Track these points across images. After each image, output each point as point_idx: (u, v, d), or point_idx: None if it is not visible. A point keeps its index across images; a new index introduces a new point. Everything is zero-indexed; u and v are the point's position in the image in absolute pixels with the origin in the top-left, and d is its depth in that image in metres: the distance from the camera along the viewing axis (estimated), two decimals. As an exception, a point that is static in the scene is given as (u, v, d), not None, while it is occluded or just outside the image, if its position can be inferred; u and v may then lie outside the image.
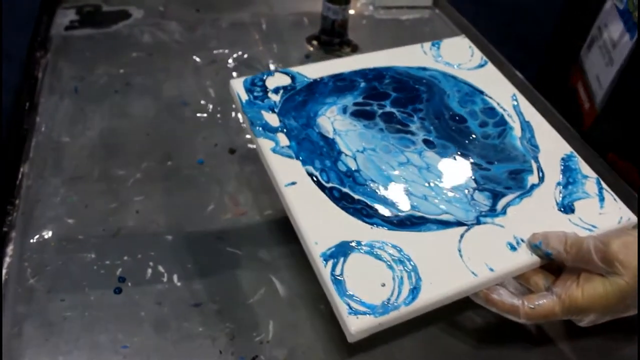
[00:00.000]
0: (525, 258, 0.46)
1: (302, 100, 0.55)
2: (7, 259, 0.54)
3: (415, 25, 0.97)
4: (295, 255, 0.56)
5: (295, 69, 0.59)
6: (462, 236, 0.46)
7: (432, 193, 0.49)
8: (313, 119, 0.54)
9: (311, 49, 0.88)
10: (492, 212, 0.48)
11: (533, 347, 0.50)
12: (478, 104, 0.58)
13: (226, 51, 0.85)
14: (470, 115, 0.57)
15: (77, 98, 0.74)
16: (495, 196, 0.50)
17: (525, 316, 0.43)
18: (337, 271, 0.43)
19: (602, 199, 0.51)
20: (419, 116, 0.56)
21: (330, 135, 0.53)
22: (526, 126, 0.57)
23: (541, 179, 0.52)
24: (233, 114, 0.74)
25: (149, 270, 0.54)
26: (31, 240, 0.55)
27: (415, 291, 0.42)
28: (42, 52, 0.81)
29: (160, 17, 0.92)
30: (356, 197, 0.48)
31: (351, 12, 0.93)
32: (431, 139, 0.54)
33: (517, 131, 0.56)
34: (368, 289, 0.42)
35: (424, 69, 0.61)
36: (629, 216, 0.49)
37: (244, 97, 0.55)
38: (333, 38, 0.86)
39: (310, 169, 0.50)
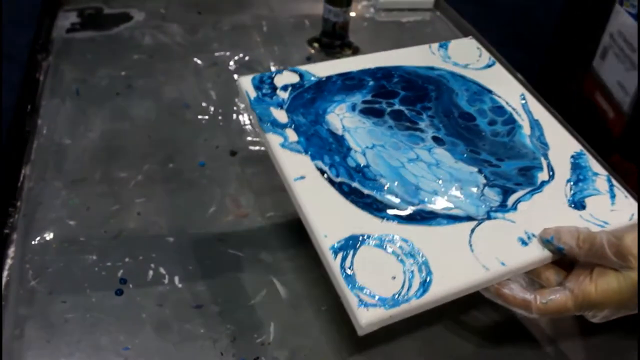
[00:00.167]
0: (536, 253, 0.45)
1: (311, 97, 0.55)
2: (9, 261, 0.54)
3: (416, 28, 0.98)
4: (296, 257, 0.56)
5: (303, 68, 0.59)
6: (472, 231, 0.46)
7: (442, 188, 0.49)
8: (322, 116, 0.54)
9: (312, 51, 0.88)
10: (503, 207, 0.48)
11: (537, 347, 0.50)
12: (487, 103, 0.58)
13: (227, 53, 0.85)
14: (479, 114, 0.57)
15: (78, 100, 0.74)
16: (506, 192, 0.50)
17: (538, 311, 0.43)
18: (347, 264, 0.43)
19: (613, 196, 0.50)
20: (428, 114, 0.56)
21: (340, 132, 0.53)
22: (535, 124, 0.57)
23: (551, 176, 0.52)
24: (234, 116, 0.74)
25: (151, 272, 0.54)
26: (33, 242, 0.55)
27: (426, 284, 0.42)
28: (43, 54, 0.81)
29: (162, 19, 0.92)
30: (366, 191, 0.48)
31: (352, 14, 0.93)
32: (440, 136, 0.54)
33: (526, 129, 0.56)
34: (378, 282, 0.42)
35: (432, 68, 0.61)
36: None
37: (252, 94, 0.55)
38: (334, 40, 0.86)
39: (320, 163, 0.50)
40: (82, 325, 0.49)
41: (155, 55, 0.83)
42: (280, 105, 0.54)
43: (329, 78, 0.58)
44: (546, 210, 0.48)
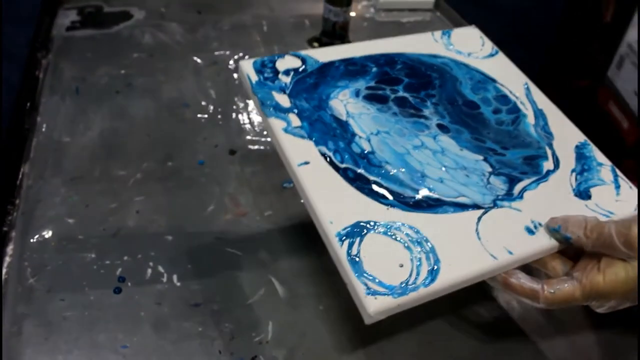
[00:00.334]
0: (543, 242, 0.45)
1: (314, 82, 0.55)
2: (7, 259, 0.54)
3: (416, 28, 0.98)
4: (295, 256, 0.56)
5: (305, 52, 0.58)
6: (479, 219, 0.46)
7: (448, 176, 0.49)
8: (325, 102, 0.53)
9: (312, 50, 0.88)
10: (509, 196, 0.48)
11: (539, 341, 0.51)
12: (490, 92, 0.58)
13: (227, 52, 0.85)
14: (483, 102, 0.57)
15: (78, 98, 0.74)
16: (512, 181, 0.49)
17: (545, 301, 0.42)
18: (354, 251, 0.42)
19: (617, 186, 0.50)
20: (432, 101, 0.55)
21: (344, 118, 0.52)
22: (539, 114, 0.57)
23: (556, 165, 0.52)
24: (234, 115, 0.74)
25: (149, 270, 0.54)
26: (31, 240, 0.55)
27: (434, 272, 0.41)
28: (43, 52, 0.81)
29: (162, 18, 0.92)
30: (371, 178, 0.47)
31: (352, 14, 0.93)
32: (445, 123, 0.54)
33: (530, 118, 0.56)
34: (386, 270, 0.41)
35: (435, 56, 0.61)
36: None
37: (254, 77, 0.54)
38: (334, 40, 0.86)
39: (324, 149, 0.49)
40: (80, 323, 0.49)
41: (155, 54, 0.83)
42: (282, 89, 0.54)
43: (331, 63, 0.58)
44: (552, 200, 0.48)
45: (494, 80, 0.60)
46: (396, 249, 0.43)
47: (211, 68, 0.82)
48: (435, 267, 0.42)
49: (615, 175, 0.51)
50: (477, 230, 0.45)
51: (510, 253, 0.44)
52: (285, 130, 0.50)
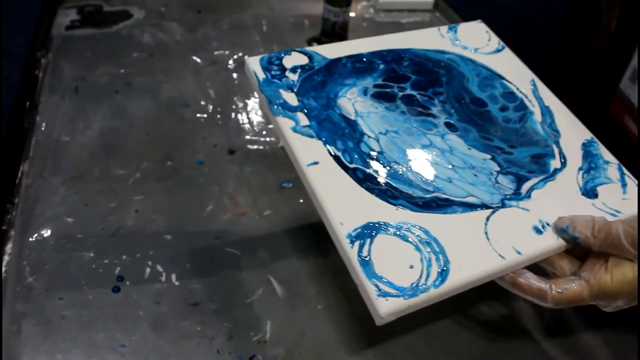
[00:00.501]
0: (551, 242, 0.45)
1: (321, 80, 0.54)
2: (6, 257, 0.54)
3: (416, 28, 0.96)
4: (293, 255, 0.56)
5: (312, 49, 0.58)
6: (488, 219, 0.46)
7: (457, 176, 0.49)
8: (333, 100, 0.53)
9: (311, 50, 0.88)
10: (517, 195, 0.48)
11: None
12: (497, 88, 0.58)
13: (227, 52, 0.85)
14: (491, 99, 0.57)
15: (77, 97, 0.74)
16: (519, 180, 0.49)
17: (553, 300, 0.43)
18: (364, 252, 0.42)
19: (624, 185, 0.50)
20: (440, 99, 0.55)
21: (352, 117, 0.52)
22: (546, 111, 0.56)
23: (563, 164, 0.52)
24: (233, 114, 0.74)
25: (148, 270, 0.54)
26: (30, 239, 0.55)
27: (444, 273, 0.42)
28: (43, 51, 0.81)
29: (161, 17, 0.92)
30: (380, 178, 0.47)
31: (352, 14, 0.93)
32: (453, 122, 0.53)
33: (537, 116, 0.56)
34: (396, 271, 0.41)
35: (442, 52, 0.61)
36: None
37: (261, 75, 0.53)
38: (333, 40, 0.86)
39: (333, 149, 0.48)
40: (78, 322, 0.49)
41: (155, 54, 0.84)
42: (290, 87, 0.53)
43: (338, 60, 0.57)
44: (559, 199, 0.48)
45: (500, 77, 0.59)
46: (406, 250, 0.42)
47: (211, 68, 0.82)
48: (445, 268, 0.42)
49: (622, 174, 0.51)
50: (485, 230, 0.45)
51: (519, 253, 0.44)
52: (294, 130, 0.49)
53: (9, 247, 0.55)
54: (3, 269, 0.53)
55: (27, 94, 0.73)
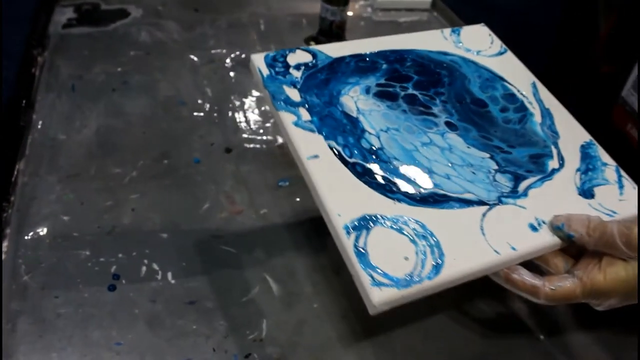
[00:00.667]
0: (546, 239, 0.46)
1: (325, 78, 0.55)
2: (2, 256, 0.53)
3: (413, 28, 0.98)
4: (290, 254, 0.56)
5: (316, 47, 0.59)
6: (484, 215, 0.46)
7: (455, 173, 0.49)
8: (336, 98, 0.54)
9: (309, 49, 0.88)
10: (514, 193, 0.49)
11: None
12: (499, 90, 0.59)
13: (224, 51, 0.85)
14: (491, 101, 0.57)
15: (74, 96, 0.74)
16: (517, 178, 0.50)
17: (546, 297, 0.43)
18: (360, 243, 0.43)
19: (621, 186, 0.51)
20: (441, 99, 0.56)
21: (354, 114, 0.53)
22: (546, 113, 0.57)
23: (561, 164, 0.52)
24: (230, 113, 0.74)
25: (144, 268, 0.54)
26: (26, 237, 0.55)
27: (438, 266, 0.42)
28: (39, 49, 0.81)
29: (159, 16, 0.92)
30: (380, 173, 0.48)
31: (349, 13, 0.93)
32: (453, 121, 0.54)
33: (537, 117, 0.57)
34: (391, 262, 0.42)
35: (445, 53, 0.62)
36: None
37: (265, 72, 0.54)
38: (331, 39, 0.87)
39: (333, 143, 0.49)
40: (74, 320, 0.49)
41: (152, 52, 0.83)
42: (293, 84, 0.54)
43: (342, 59, 0.58)
44: (556, 198, 0.49)
45: (502, 79, 0.60)
46: (402, 242, 0.43)
47: (208, 66, 0.82)
48: (440, 261, 0.42)
49: (620, 176, 0.52)
50: (481, 226, 0.46)
51: (514, 249, 0.44)
52: (296, 124, 0.50)
53: (4, 246, 0.54)
54: (-1, 267, 0.53)
55: (23, 92, 0.73)
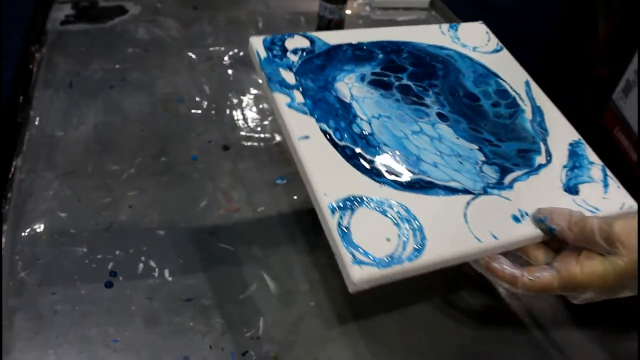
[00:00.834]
0: (528, 231, 0.47)
1: (321, 64, 0.56)
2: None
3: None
4: (287, 252, 0.56)
5: (314, 34, 0.59)
6: (468, 203, 0.47)
7: (442, 161, 0.50)
8: (331, 83, 0.55)
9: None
10: (500, 185, 0.49)
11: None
12: (492, 86, 0.59)
13: (222, 48, 0.85)
14: (484, 95, 0.58)
15: (71, 92, 0.74)
16: (504, 171, 0.51)
17: (523, 287, 0.44)
18: (344, 222, 0.43)
19: (606, 185, 0.52)
20: (434, 91, 0.57)
21: (347, 100, 0.53)
22: (537, 110, 0.58)
23: (548, 160, 0.53)
24: (227, 111, 0.74)
25: (141, 265, 0.54)
26: (23, 234, 0.55)
27: (419, 249, 0.43)
28: (37, 46, 0.81)
29: (157, 13, 0.92)
30: (368, 157, 0.49)
31: (348, 12, 0.93)
32: (445, 112, 0.55)
33: (528, 114, 0.57)
34: (373, 242, 0.43)
35: (441, 47, 0.62)
36: (631, 203, 0.51)
37: (263, 54, 0.55)
38: (329, 37, 0.86)
39: (324, 126, 0.50)
40: (71, 317, 0.49)
41: (150, 49, 0.83)
42: (289, 67, 0.55)
43: (339, 46, 0.59)
44: (541, 192, 0.50)
45: (496, 75, 0.61)
46: (385, 224, 0.44)
47: (206, 64, 0.82)
48: (421, 244, 0.43)
49: (605, 175, 0.53)
50: (465, 213, 0.46)
51: (495, 238, 0.45)
52: (289, 106, 0.51)
53: (1, 242, 0.54)
54: (-5, 263, 0.52)
55: (21, 89, 0.73)
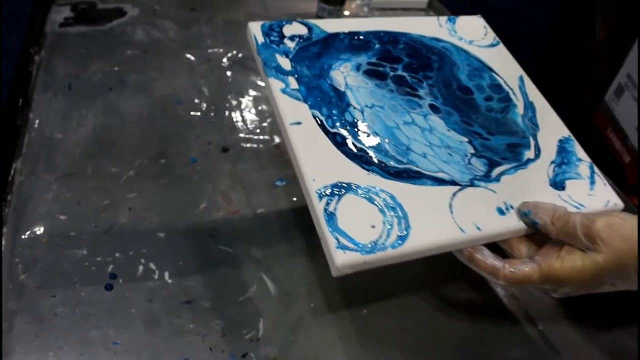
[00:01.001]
0: (512, 224, 0.47)
1: (317, 52, 0.57)
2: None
3: (410, 27, 0.98)
4: (286, 254, 0.56)
5: (312, 21, 0.60)
6: (454, 194, 0.48)
7: (432, 152, 0.51)
8: (326, 72, 0.55)
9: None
10: (487, 177, 0.50)
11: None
12: (486, 79, 0.60)
13: (221, 50, 0.85)
14: (477, 89, 0.59)
15: (71, 95, 0.74)
16: (492, 164, 0.51)
17: (504, 278, 0.45)
18: (331, 208, 0.44)
19: (592, 182, 0.53)
20: (428, 83, 0.57)
21: (342, 89, 0.54)
22: (529, 106, 0.59)
23: (537, 155, 0.54)
24: (226, 112, 0.74)
25: (141, 267, 0.54)
26: (23, 236, 0.55)
27: (403, 237, 0.44)
28: (36, 48, 0.81)
29: (155, 15, 0.92)
30: (358, 145, 0.49)
31: (346, 13, 0.93)
32: (437, 104, 0.55)
33: (519, 109, 0.58)
34: (358, 228, 0.43)
35: (438, 40, 0.63)
36: (616, 201, 0.52)
37: (260, 39, 0.56)
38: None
39: (317, 113, 0.51)
40: (71, 319, 0.49)
41: (149, 51, 0.83)
42: (286, 53, 0.55)
43: (336, 34, 0.59)
44: (527, 186, 0.50)
45: (490, 69, 0.61)
46: (371, 211, 0.45)
47: (205, 65, 0.82)
48: (405, 232, 0.44)
49: (592, 172, 0.54)
50: (450, 204, 0.47)
51: (479, 229, 0.46)
52: (283, 91, 0.52)
53: (1, 245, 0.54)
54: (-5, 266, 0.52)
55: (20, 91, 0.73)
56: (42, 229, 0.56)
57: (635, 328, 0.53)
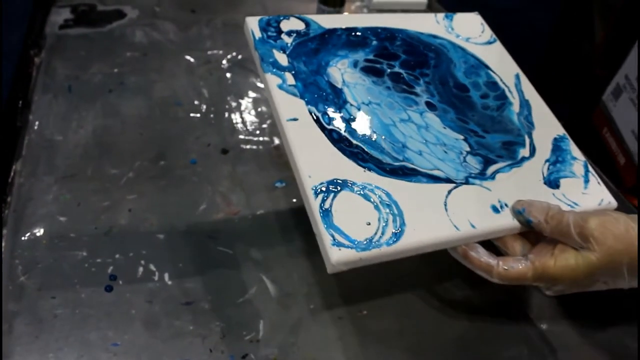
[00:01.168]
0: (506, 222, 0.48)
1: (315, 48, 0.57)
2: (-1, 256, 0.54)
3: (409, 28, 0.98)
4: (286, 255, 0.57)
5: (310, 17, 0.60)
6: (449, 192, 0.48)
7: (427, 150, 0.51)
8: (324, 68, 0.55)
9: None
10: (482, 175, 0.50)
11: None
12: (482, 77, 0.60)
13: (220, 52, 0.85)
14: (473, 86, 0.59)
15: (70, 96, 0.74)
16: (487, 162, 0.52)
17: (498, 276, 0.45)
18: (326, 205, 0.44)
19: (587, 181, 0.53)
20: (425, 80, 0.57)
21: (339, 85, 0.54)
22: (525, 104, 0.59)
23: (532, 153, 0.54)
24: (226, 114, 0.74)
25: (140, 269, 0.54)
26: (22, 238, 0.55)
27: (398, 234, 0.44)
28: (36, 50, 0.81)
29: (155, 17, 0.92)
30: (354, 142, 0.49)
31: (345, 14, 0.93)
32: (433, 102, 0.55)
33: (515, 107, 0.58)
34: (353, 226, 0.44)
35: (435, 36, 0.63)
36: (610, 200, 0.52)
37: (258, 34, 0.56)
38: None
39: (313, 109, 0.51)
40: (71, 321, 0.49)
41: (148, 53, 0.83)
42: (283, 49, 0.55)
43: (334, 30, 0.59)
44: (522, 184, 0.51)
45: (487, 67, 0.61)
46: (366, 208, 0.45)
47: (204, 67, 0.82)
48: (400, 230, 0.44)
49: (587, 171, 0.54)
50: (445, 202, 0.47)
51: (473, 227, 0.46)
52: (280, 87, 0.52)
53: (1, 246, 0.54)
54: (-5, 268, 0.53)
55: (20, 93, 0.73)
56: (42, 231, 0.56)
57: (635, 328, 0.53)
